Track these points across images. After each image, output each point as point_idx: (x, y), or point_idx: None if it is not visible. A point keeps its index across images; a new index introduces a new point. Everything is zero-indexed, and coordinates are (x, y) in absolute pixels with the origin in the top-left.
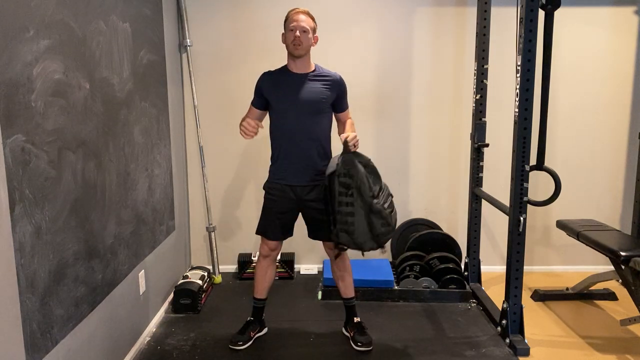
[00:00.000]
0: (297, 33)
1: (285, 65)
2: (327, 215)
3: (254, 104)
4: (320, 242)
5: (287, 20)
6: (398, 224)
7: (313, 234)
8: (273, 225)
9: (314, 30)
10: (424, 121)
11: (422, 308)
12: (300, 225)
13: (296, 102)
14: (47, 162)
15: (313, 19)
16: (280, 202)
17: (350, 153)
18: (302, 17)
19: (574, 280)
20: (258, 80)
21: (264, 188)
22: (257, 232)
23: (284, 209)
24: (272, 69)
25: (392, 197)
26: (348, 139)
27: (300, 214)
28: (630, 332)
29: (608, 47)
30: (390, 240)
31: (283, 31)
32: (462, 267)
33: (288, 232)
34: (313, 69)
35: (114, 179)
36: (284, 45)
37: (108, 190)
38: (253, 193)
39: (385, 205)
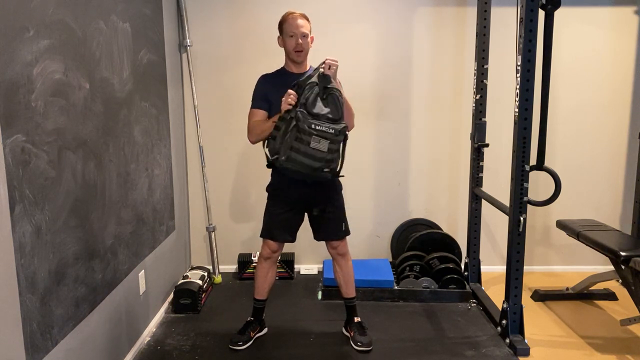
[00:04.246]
0: (299, 40)
1: (283, 67)
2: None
3: (259, 107)
4: (321, 242)
5: (285, 25)
6: (398, 224)
7: (318, 234)
8: (278, 226)
9: (310, 31)
10: (424, 121)
11: (422, 308)
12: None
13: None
14: (47, 162)
15: (308, 19)
16: (283, 202)
17: (319, 71)
18: (300, 22)
19: (574, 280)
20: (258, 84)
21: (266, 190)
22: (262, 235)
23: (287, 207)
24: (271, 69)
25: (337, 135)
26: (328, 57)
27: (305, 216)
28: (630, 332)
29: (608, 47)
30: (390, 241)
31: (279, 34)
32: (462, 267)
33: (293, 234)
34: (309, 68)
35: (114, 179)
36: (281, 47)
37: (108, 190)
38: (253, 193)
39: (314, 126)
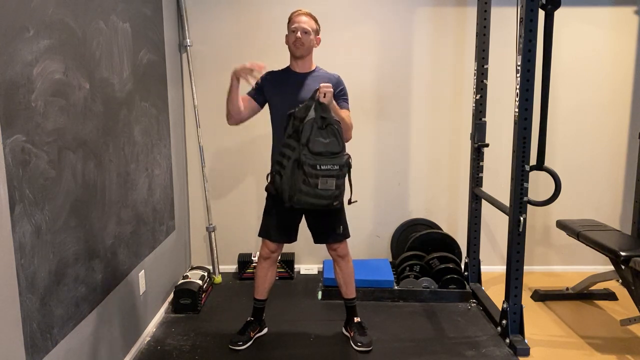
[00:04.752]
0: (299, 34)
1: (288, 66)
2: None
3: (250, 94)
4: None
5: (290, 21)
6: (398, 224)
7: (316, 237)
8: (275, 226)
9: (317, 32)
10: (424, 121)
11: (422, 308)
12: (300, 224)
13: (298, 100)
14: (47, 162)
15: (316, 20)
16: (282, 203)
17: (315, 101)
18: (303, 18)
19: (574, 280)
20: (261, 77)
21: (266, 190)
22: (260, 235)
23: (285, 209)
24: (274, 68)
25: (342, 169)
26: (321, 85)
27: (303, 219)
28: (630, 332)
29: (608, 47)
30: (390, 241)
31: (286, 32)
32: (462, 267)
33: (291, 235)
34: (314, 68)
35: (114, 179)
36: (287, 45)
37: (108, 190)
38: (253, 193)
39: (319, 166)
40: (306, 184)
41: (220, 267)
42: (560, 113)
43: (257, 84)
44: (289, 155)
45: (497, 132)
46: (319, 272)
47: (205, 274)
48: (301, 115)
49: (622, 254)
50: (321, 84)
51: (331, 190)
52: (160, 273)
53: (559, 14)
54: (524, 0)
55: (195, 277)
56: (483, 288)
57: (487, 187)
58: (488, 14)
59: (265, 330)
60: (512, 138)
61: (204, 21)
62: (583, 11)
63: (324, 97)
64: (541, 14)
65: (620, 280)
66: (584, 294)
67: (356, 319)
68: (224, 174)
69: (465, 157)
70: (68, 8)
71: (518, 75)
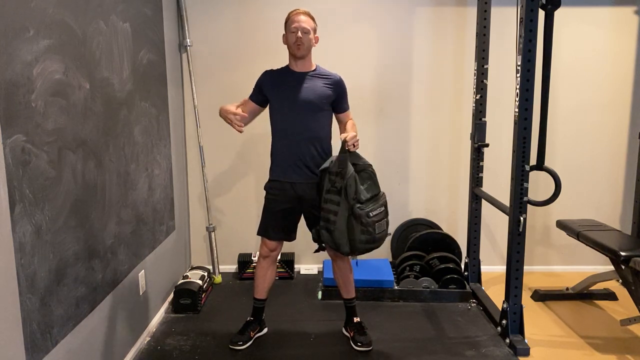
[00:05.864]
0: (299, 34)
1: (287, 65)
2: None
3: (251, 97)
4: None
5: (288, 21)
6: (398, 224)
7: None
8: (274, 225)
9: (315, 30)
10: (424, 121)
11: (422, 308)
12: (300, 224)
13: (297, 100)
14: (47, 162)
15: (313, 19)
16: (281, 201)
17: (346, 152)
18: (302, 17)
19: (574, 280)
20: (260, 77)
21: (264, 188)
22: (259, 233)
23: (284, 206)
24: (274, 68)
25: (385, 207)
26: (347, 138)
27: (302, 218)
28: (630, 332)
29: (608, 47)
30: (390, 241)
31: (284, 32)
32: (462, 267)
33: (290, 233)
34: (314, 68)
35: (114, 179)
36: (285, 45)
37: (108, 190)
38: (253, 193)
39: (371, 214)
40: (365, 233)
41: (220, 267)
42: (560, 113)
43: (256, 84)
44: (335, 210)
45: (497, 132)
46: (319, 272)
47: (205, 274)
48: (336, 169)
49: (622, 254)
50: (347, 137)
51: (384, 230)
52: (160, 273)
53: (559, 14)
54: (524, 0)
55: (195, 277)
56: (483, 288)
57: (487, 187)
58: (488, 14)
59: (265, 330)
60: (512, 138)
61: (204, 21)
62: (583, 11)
63: (354, 147)
64: (541, 14)
65: (620, 280)
66: (584, 294)
67: (356, 319)
68: (224, 174)
69: (465, 157)
70: (68, 8)
71: (518, 75)
